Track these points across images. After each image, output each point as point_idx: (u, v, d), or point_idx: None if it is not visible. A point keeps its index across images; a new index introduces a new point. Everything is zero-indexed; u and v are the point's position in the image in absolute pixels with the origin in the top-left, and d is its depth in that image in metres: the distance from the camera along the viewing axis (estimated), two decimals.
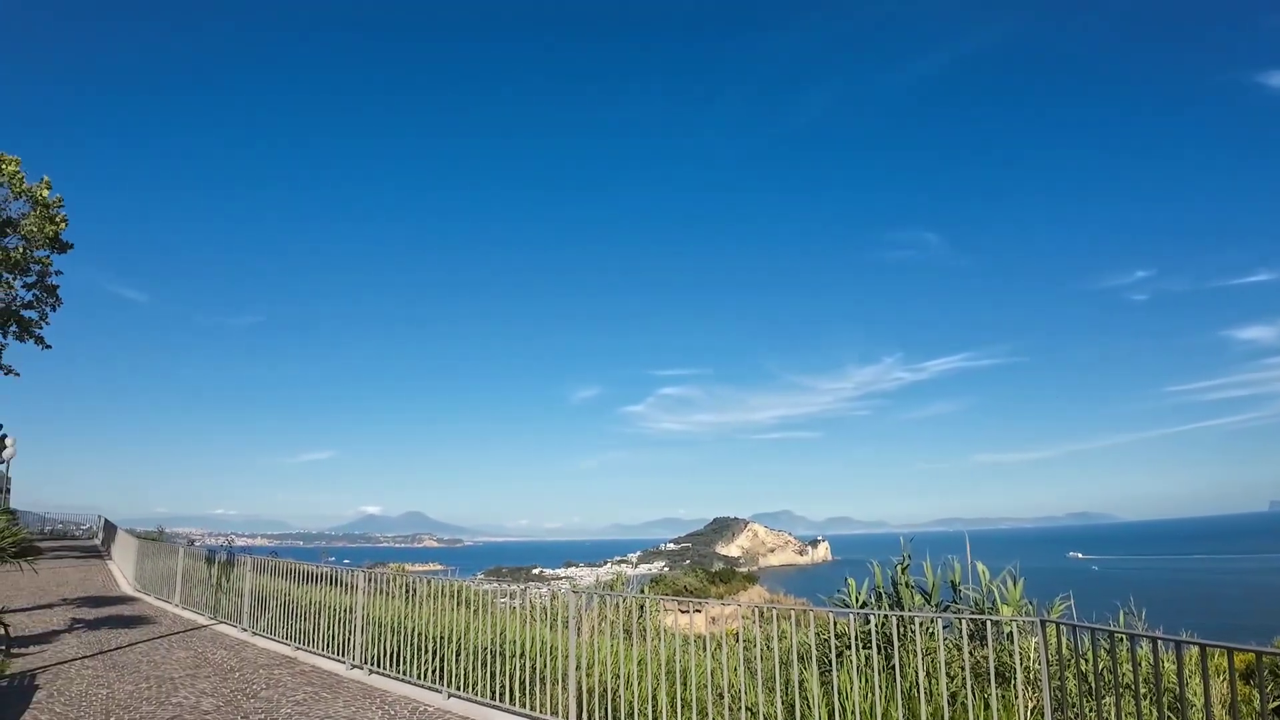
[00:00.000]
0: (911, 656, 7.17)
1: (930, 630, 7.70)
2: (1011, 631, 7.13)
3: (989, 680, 6.23)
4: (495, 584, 12.69)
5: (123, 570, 24.06)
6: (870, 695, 6.93)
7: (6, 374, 28.28)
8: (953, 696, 7.07)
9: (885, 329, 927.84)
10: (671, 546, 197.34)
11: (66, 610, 15.99)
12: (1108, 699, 5.64)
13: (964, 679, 6.24)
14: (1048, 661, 5.92)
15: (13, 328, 26.99)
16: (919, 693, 6.29)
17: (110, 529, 32.78)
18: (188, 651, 12.14)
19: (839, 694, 6.79)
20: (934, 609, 9.17)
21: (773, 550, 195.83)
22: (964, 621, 6.72)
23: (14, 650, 11.53)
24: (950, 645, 7.71)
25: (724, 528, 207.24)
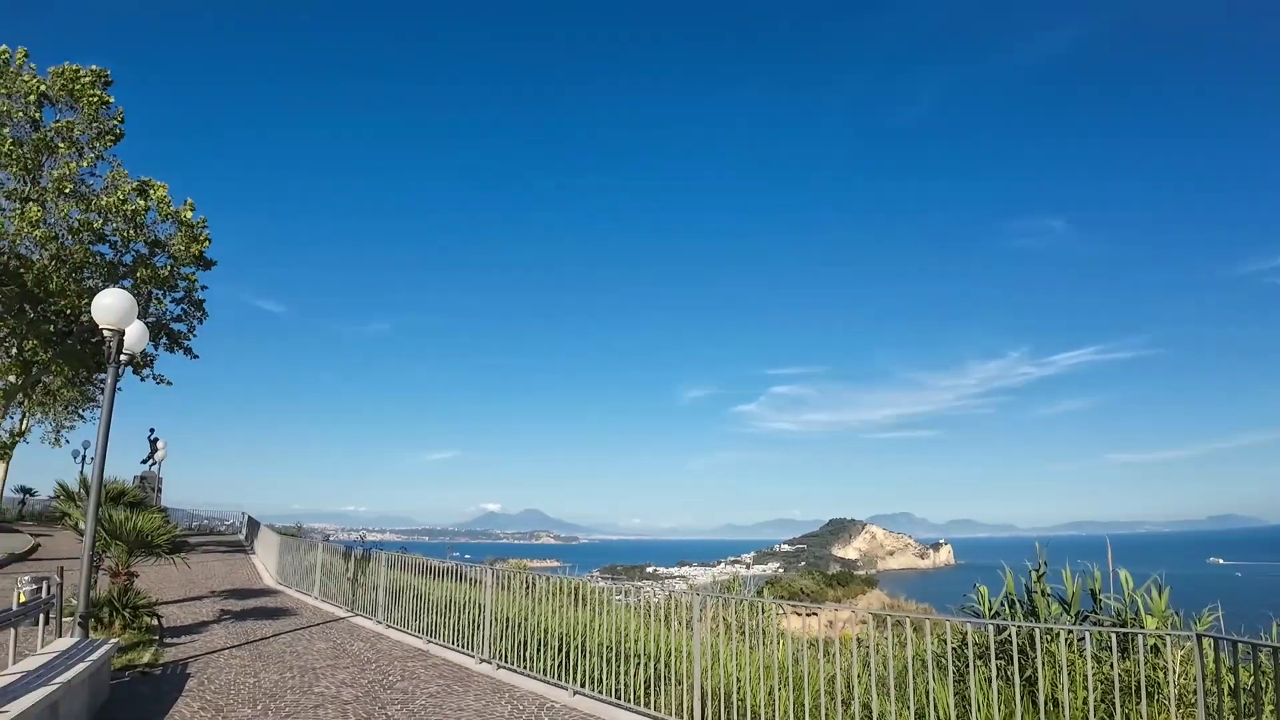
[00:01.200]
0: (1049, 669, 6.86)
1: (1070, 642, 7.34)
2: (1156, 644, 6.73)
3: (1133, 696, 5.90)
4: (613, 582, 12.84)
5: (265, 564, 25.45)
6: (1008, 708, 6.68)
7: (159, 383, 30.51)
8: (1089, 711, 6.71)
9: (1009, 322, 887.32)
10: (786, 548, 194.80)
11: (214, 602, 17.05)
12: (1270, 717, 5.25)
13: (1104, 694, 5.92)
14: (1203, 677, 5.56)
15: (164, 340, 29.12)
16: (1065, 710, 6.01)
17: (253, 525, 34.70)
18: (327, 643, 12.78)
19: (974, 707, 6.54)
20: (1073, 619, 8.72)
21: (892, 553, 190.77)
22: (1112, 634, 6.39)
23: (167, 640, 12.36)
24: (1090, 658, 7.33)
25: (840, 529, 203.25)
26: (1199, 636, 5.59)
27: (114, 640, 10.06)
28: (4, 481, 40.39)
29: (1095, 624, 8.20)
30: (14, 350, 24.27)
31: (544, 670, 10.12)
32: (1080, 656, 6.93)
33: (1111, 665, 6.88)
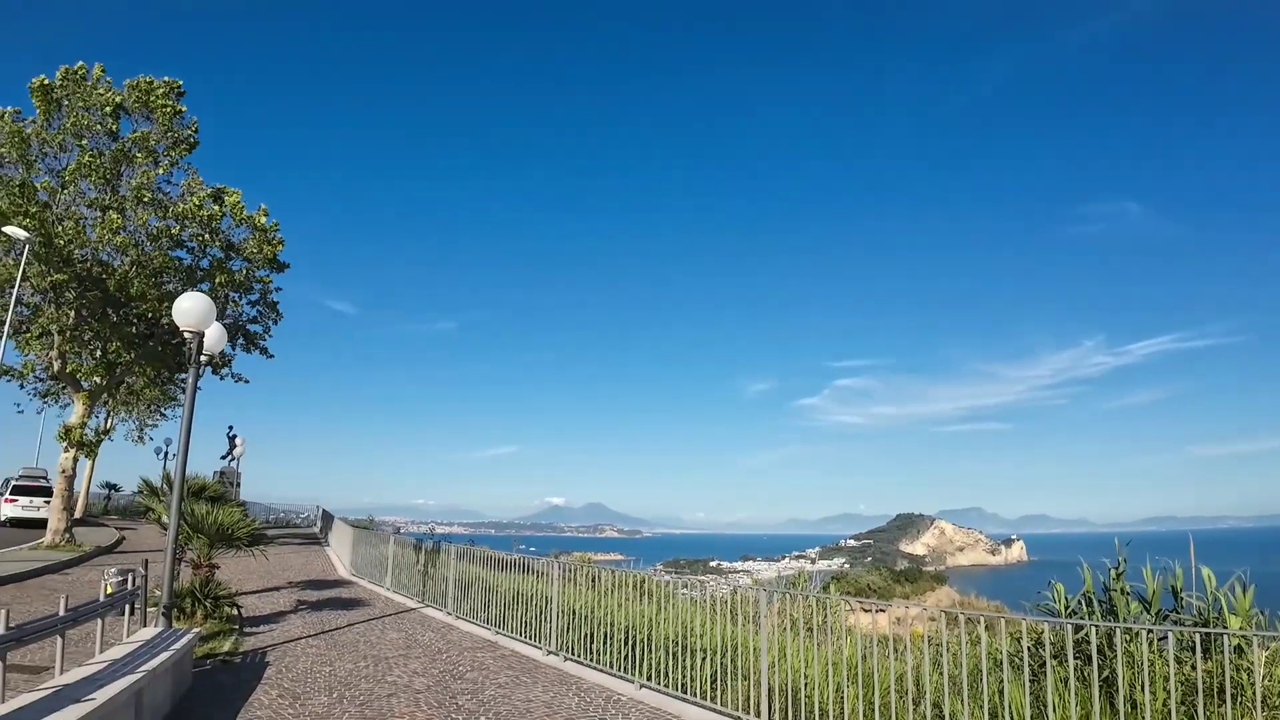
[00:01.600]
0: (1128, 670, 6.61)
1: (1150, 642, 7.05)
2: (1240, 645, 6.42)
3: (1215, 699, 5.65)
4: (676, 575, 12.83)
5: (339, 556, 26.14)
6: (1084, 710, 6.46)
7: (237, 381, 31.56)
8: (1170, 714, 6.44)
9: (1083, 310, 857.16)
10: (852, 543, 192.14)
11: (291, 593, 17.57)
12: None
13: (1184, 696, 5.67)
14: None
15: (240, 340, 30.10)
16: (1147, 712, 5.79)
17: (328, 518, 35.60)
18: (399, 633, 13.05)
19: (1050, 708, 6.34)
20: (1153, 618, 8.38)
21: (961, 549, 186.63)
22: (1195, 634, 6.13)
23: (246, 630, 12.79)
24: (1168, 659, 7.04)
25: (908, 524, 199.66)
26: None
27: (196, 630, 10.44)
28: (91, 477, 42.20)
29: (1176, 623, 7.88)
30: (99, 352, 25.30)
31: (610, 663, 10.17)
32: (1160, 657, 6.66)
33: (1193, 666, 6.61)
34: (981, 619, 6.92)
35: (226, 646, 11.36)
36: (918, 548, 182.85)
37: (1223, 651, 5.86)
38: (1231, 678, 6.73)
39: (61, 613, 7.08)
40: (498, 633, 12.81)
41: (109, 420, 40.12)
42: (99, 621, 8.25)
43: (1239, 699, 6.08)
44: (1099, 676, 6.84)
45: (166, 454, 42.76)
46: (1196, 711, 5.58)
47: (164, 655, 8.07)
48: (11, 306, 21.87)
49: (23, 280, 21.59)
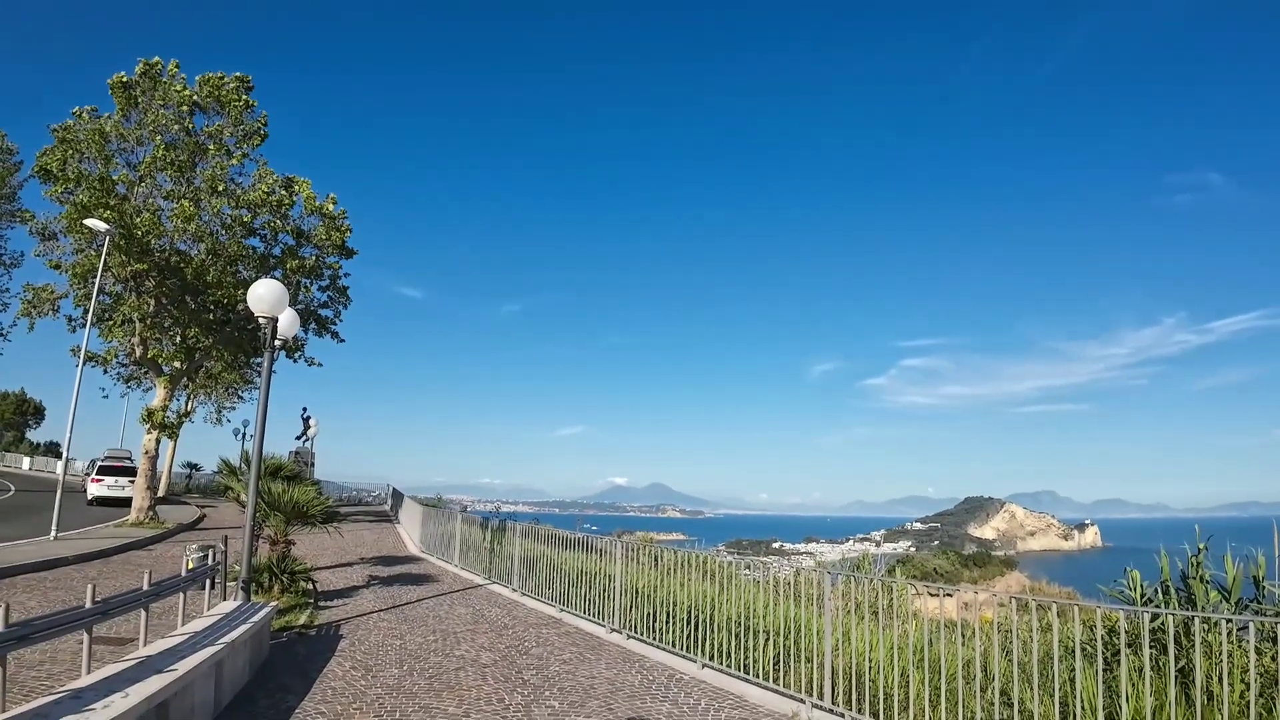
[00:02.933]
0: (1205, 660, 6.37)
1: (1229, 632, 6.78)
2: None
3: None
4: (739, 556, 12.80)
5: (409, 533, 26.75)
6: (1159, 700, 6.25)
7: (310, 364, 32.58)
8: (1262, 707, 6.19)
9: (1165, 286, 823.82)
10: (919, 526, 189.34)
11: (363, 568, 18.05)
12: None
13: (1263, 688, 5.43)
14: None
15: (312, 325, 30.94)
16: (1225, 704, 5.58)
17: (398, 496, 36.40)
18: (467, 608, 13.32)
19: (1125, 698, 6.16)
20: (1232, 607, 8.06)
21: (1033, 534, 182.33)
22: (1276, 625, 5.88)
23: (321, 604, 13.19)
24: (1250, 650, 6.76)
25: (977, 508, 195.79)
26: None
27: (273, 603, 10.81)
28: (173, 458, 43.90)
29: (1257, 613, 7.56)
30: (178, 338, 26.26)
31: (672, 642, 10.22)
32: (1239, 648, 6.40)
33: (1273, 657, 6.35)
34: (1053, 605, 6.73)
35: (302, 619, 11.74)
36: (987, 531, 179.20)
37: None
38: None
39: (145, 587, 7.40)
40: (562, 610, 12.97)
41: (189, 403, 41.56)
42: (181, 595, 8.60)
43: None
44: (1175, 667, 6.61)
45: (244, 435, 44.27)
46: (1276, 704, 5.36)
47: (243, 628, 8.38)
48: (94, 296, 22.76)
49: (105, 270, 22.46)
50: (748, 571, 11.51)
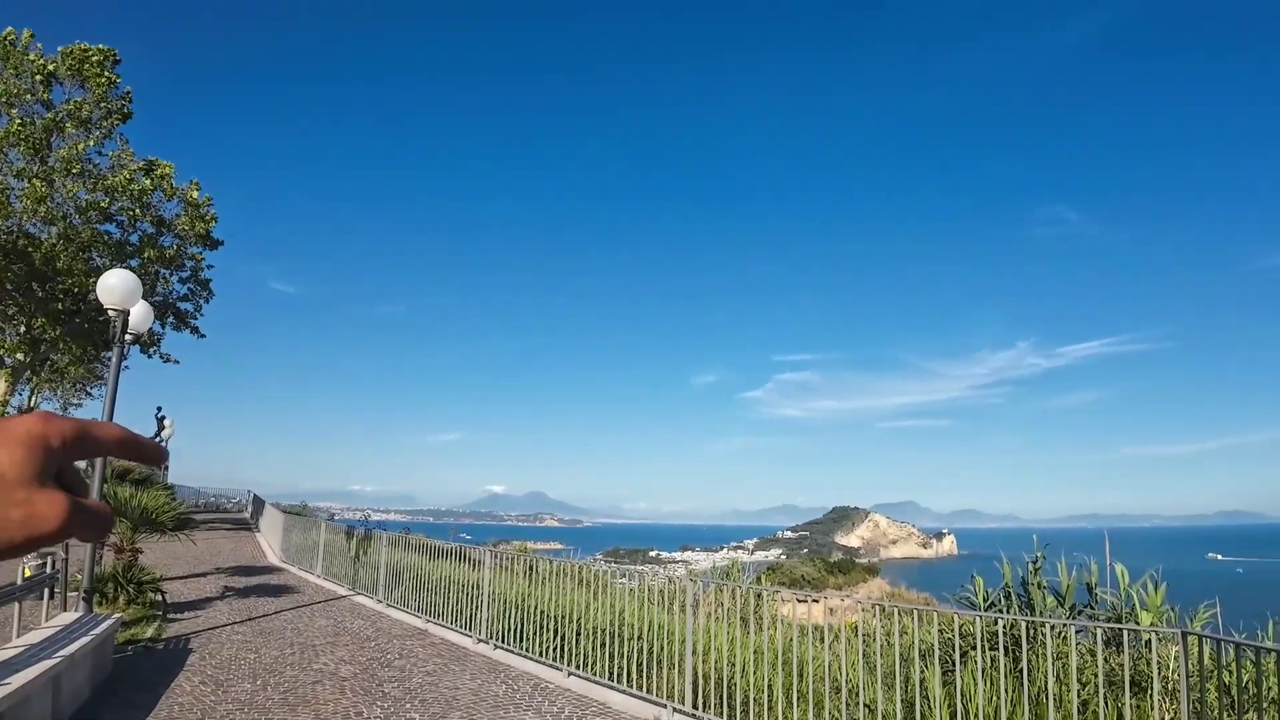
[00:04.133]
0: (1041, 661, 6.93)
1: (1062, 635, 7.40)
2: (1151, 640, 6.79)
3: (1123, 690, 5.97)
4: (613, 565, 12.97)
5: (269, 542, 25.72)
6: (996, 699, 6.75)
7: (166, 361, 30.77)
8: (1084, 705, 6.79)
9: (1021, 311, 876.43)
10: (789, 534, 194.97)
11: (218, 579, 17.23)
12: (1250, 715, 5.31)
13: (1096, 687, 5.98)
14: (1187, 674, 5.63)
15: (170, 319, 29.31)
16: (1049, 700, 6.09)
17: (259, 503, 35.01)
18: (328, 620, 12.94)
19: (962, 696, 6.63)
20: (1067, 612, 8.77)
21: (894, 542, 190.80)
22: (1098, 629, 6.46)
23: (171, 616, 12.51)
24: (1083, 651, 7.39)
25: (844, 517, 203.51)
26: (1184, 634, 5.66)
27: (118, 615, 10.22)
28: None
29: (1090, 618, 8.25)
30: (22, 328, 24.47)
31: (540, 651, 10.25)
32: (1075, 650, 7.00)
33: (1104, 659, 6.95)
34: (897, 610, 7.18)
35: (149, 632, 11.13)
36: (852, 540, 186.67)
37: (1128, 645, 6.18)
38: (1142, 671, 7.12)
39: None
40: (429, 621, 12.78)
41: (33, 399, 38.93)
42: (16, 606, 8.07)
43: (1148, 691, 6.42)
44: (1014, 668, 7.16)
45: None
46: (1102, 701, 5.88)
47: (83, 640, 7.91)
48: None
49: None
50: (622, 580, 11.68)
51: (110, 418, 10.81)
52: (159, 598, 12.98)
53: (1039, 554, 9.29)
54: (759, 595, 9.52)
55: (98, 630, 8.52)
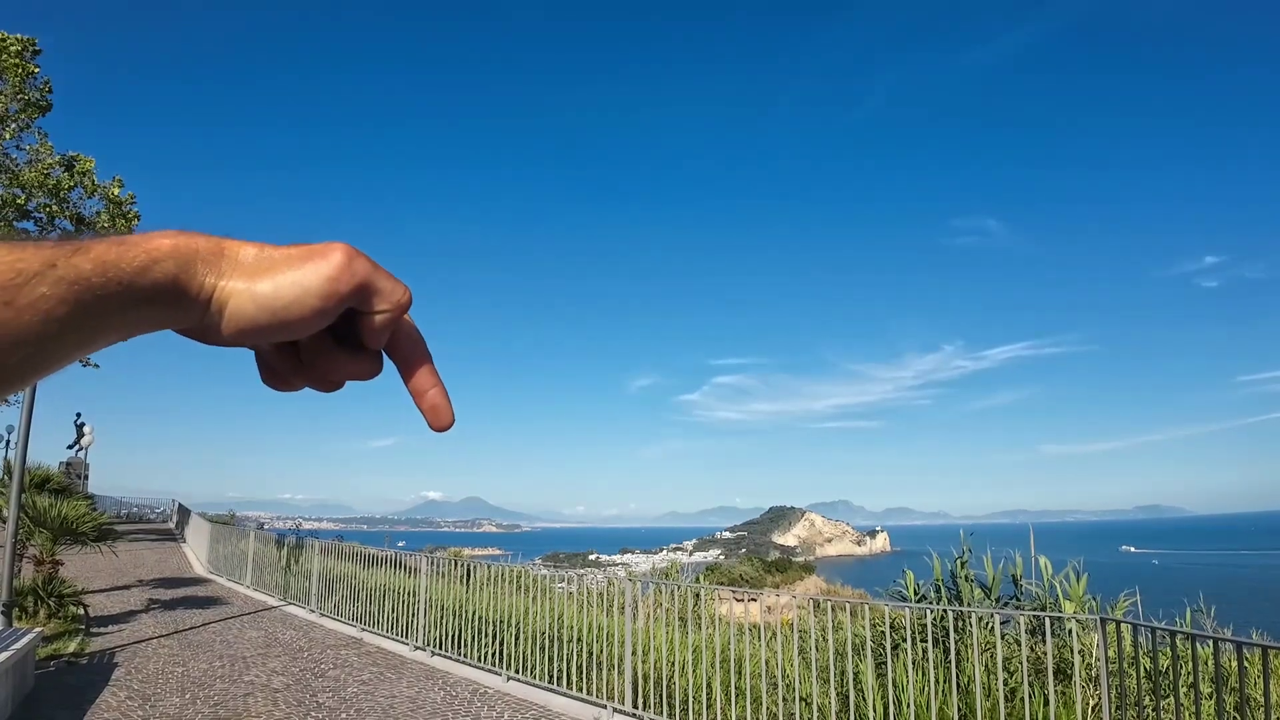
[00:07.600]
0: (969, 651, 7.17)
1: (990, 625, 7.67)
2: (1073, 628, 7.08)
3: (1049, 677, 6.22)
4: (553, 569, 12.96)
5: (196, 553, 24.99)
6: (927, 689, 6.96)
7: (84, 365, 29.60)
8: (1011, 692, 7.04)
9: (946, 317, 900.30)
10: (727, 535, 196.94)
11: (143, 591, 16.68)
12: (1169, 698, 5.58)
13: (1023, 675, 6.23)
14: (1107, 659, 5.89)
15: None
16: (976, 688, 6.31)
17: (184, 513, 34.02)
18: (259, 631, 12.64)
19: (895, 687, 6.82)
20: (994, 604, 9.08)
21: (830, 540, 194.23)
22: (1021, 618, 6.70)
23: (94, 630, 12.06)
24: (1010, 641, 7.66)
25: (780, 517, 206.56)
26: (1103, 620, 5.92)
27: (38, 630, 9.82)
28: None
29: (1016, 609, 8.56)
30: None
31: (479, 657, 10.18)
32: (1002, 639, 7.26)
33: (1029, 647, 7.22)
34: (830, 605, 7.36)
35: (72, 647, 10.73)
36: (789, 539, 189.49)
37: (1050, 634, 6.45)
38: (1066, 658, 7.43)
39: None
40: (363, 630, 12.58)
41: None
42: None
43: (1072, 677, 6.68)
44: (944, 659, 7.40)
45: (8, 442, 39.71)
46: (1028, 688, 6.11)
47: (3, 656, 7.60)
48: None
49: None
50: (562, 584, 11.68)
51: (27, 424, 10.42)
52: (82, 611, 12.51)
53: (966, 548, 9.67)
54: (698, 595, 9.63)
55: (18, 646, 8.19)
